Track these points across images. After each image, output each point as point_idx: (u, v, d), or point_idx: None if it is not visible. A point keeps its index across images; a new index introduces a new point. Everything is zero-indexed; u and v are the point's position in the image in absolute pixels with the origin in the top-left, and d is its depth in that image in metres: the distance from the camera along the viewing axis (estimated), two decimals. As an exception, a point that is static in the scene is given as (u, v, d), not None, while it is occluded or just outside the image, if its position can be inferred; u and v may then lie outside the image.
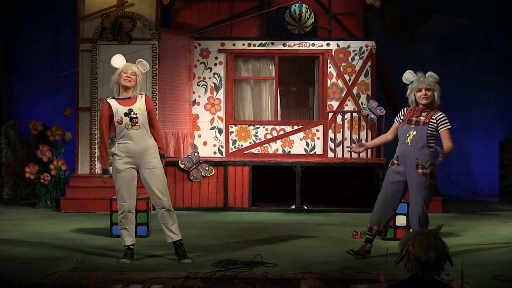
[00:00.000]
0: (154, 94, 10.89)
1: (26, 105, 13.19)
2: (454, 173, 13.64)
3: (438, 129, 6.54)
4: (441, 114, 6.59)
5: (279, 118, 11.87)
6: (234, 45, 11.82)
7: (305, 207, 10.71)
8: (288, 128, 11.78)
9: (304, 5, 11.34)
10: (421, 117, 6.60)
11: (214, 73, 11.80)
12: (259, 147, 11.75)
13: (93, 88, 10.99)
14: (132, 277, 5.83)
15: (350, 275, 5.96)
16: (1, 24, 13.28)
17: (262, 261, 6.36)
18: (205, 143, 11.75)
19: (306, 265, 6.34)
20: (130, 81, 6.49)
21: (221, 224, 9.37)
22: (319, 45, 11.77)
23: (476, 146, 13.89)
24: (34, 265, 6.29)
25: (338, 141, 11.63)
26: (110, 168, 6.60)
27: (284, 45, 11.77)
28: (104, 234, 8.06)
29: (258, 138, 11.77)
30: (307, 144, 11.75)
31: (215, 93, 11.79)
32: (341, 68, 11.72)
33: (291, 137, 11.75)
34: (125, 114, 6.45)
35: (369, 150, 11.18)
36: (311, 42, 11.77)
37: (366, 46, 11.72)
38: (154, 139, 6.60)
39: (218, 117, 11.80)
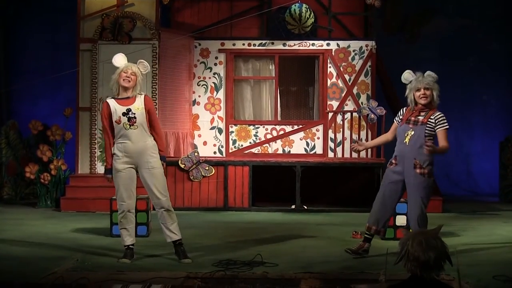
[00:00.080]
0: (154, 94, 10.89)
1: (26, 104, 13.19)
2: (454, 173, 13.66)
3: (435, 128, 6.53)
4: (439, 114, 6.59)
5: (279, 118, 11.87)
6: (234, 45, 11.82)
7: (305, 207, 10.71)
8: (288, 128, 11.78)
9: (304, 5, 11.34)
10: (419, 117, 6.60)
11: (214, 73, 11.80)
12: (259, 147, 11.75)
13: (93, 88, 10.99)
14: (132, 276, 5.83)
15: (350, 275, 5.96)
16: (1, 23, 13.29)
17: (262, 261, 6.36)
18: (205, 143, 11.75)
19: (306, 265, 6.34)
20: (129, 81, 6.49)
21: (221, 224, 9.38)
22: (319, 45, 11.77)
23: (476, 146, 13.90)
24: (34, 264, 6.29)
25: (338, 141, 11.63)
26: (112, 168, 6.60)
27: (284, 45, 11.77)
28: (104, 234, 8.07)
29: (258, 138, 11.77)
30: (307, 144, 11.75)
31: (215, 93, 11.79)
32: (341, 68, 11.72)
33: (291, 137, 11.75)
34: (123, 114, 6.45)
35: (369, 150, 11.18)
36: (311, 42, 11.77)
37: (366, 46, 11.72)
38: (154, 139, 6.60)
39: (218, 117, 11.80)
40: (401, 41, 12.73)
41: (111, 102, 6.53)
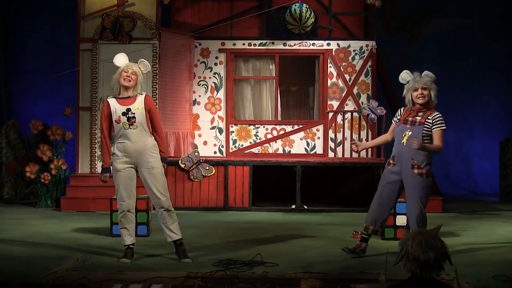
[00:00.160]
0: (155, 94, 10.89)
1: (26, 104, 13.20)
2: (454, 172, 13.67)
3: (432, 128, 6.52)
4: (437, 114, 6.58)
5: (279, 118, 11.87)
6: (234, 44, 11.82)
7: (305, 207, 10.71)
8: (289, 128, 11.78)
9: (304, 5, 11.35)
10: (417, 117, 6.59)
11: (215, 73, 11.80)
12: (259, 147, 11.75)
13: (94, 88, 10.99)
14: (132, 276, 5.83)
15: (350, 275, 5.96)
16: (1, 23, 13.29)
17: (262, 260, 6.36)
18: (205, 143, 11.75)
19: (306, 264, 6.34)
20: (129, 80, 6.49)
21: (221, 223, 9.38)
22: (320, 44, 11.77)
23: (476, 146, 13.91)
24: (34, 264, 6.29)
25: (339, 140, 11.63)
26: (112, 167, 6.60)
27: (284, 44, 11.77)
28: (104, 234, 8.07)
29: (258, 137, 11.77)
30: (308, 144, 11.75)
31: (215, 92, 11.79)
32: (341, 67, 11.72)
33: (292, 137, 11.76)
34: (123, 114, 6.45)
35: (369, 150, 11.19)
36: (311, 41, 11.77)
37: (367, 46, 11.73)
38: (156, 140, 6.60)
39: (219, 116, 11.80)
40: (401, 41, 12.73)
41: (112, 101, 6.53)
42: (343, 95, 11.69)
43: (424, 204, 6.55)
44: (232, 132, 11.77)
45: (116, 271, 6.01)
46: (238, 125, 11.81)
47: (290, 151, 11.74)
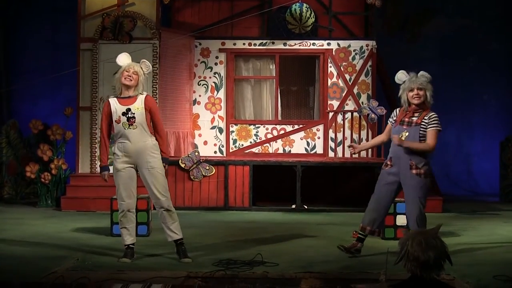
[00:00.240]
0: (155, 94, 10.89)
1: (27, 104, 13.21)
2: (454, 172, 13.67)
3: (427, 128, 6.50)
4: (433, 114, 6.55)
5: (279, 118, 11.87)
6: (234, 44, 11.83)
7: (306, 207, 10.71)
8: (289, 128, 11.79)
9: (304, 5, 11.35)
10: (413, 118, 6.56)
11: (215, 73, 11.81)
12: (259, 147, 11.76)
13: (94, 88, 10.99)
14: (132, 276, 5.83)
15: (350, 275, 5.96)
16: (1, 23, 13.29)
17: (262, 260, 6.36)
18: (205, 143, 11.75)
19: (307, 264, 6.34)
20: (130, 80, 6.49)
21: (222, 223, 9.38)
22: (320, 44, 11.78)
23: (477, 145, 13.91)
24: (34, 264, 6.28)
25: (339, 140, 11.64)
26: (111, 167, 6.60)
27: (284, 44, 11.77)
28: (104, 233, 8.07)
29: (258, 137, 11.77)
30: (308, 144, 11.75)
31: (215, 92, 11.80)
32: (341, 67, 11.72)
33: (292, 137, 11.76)
34: (123, 114, 6.46)
35: (370, 150, 11.18)
36: (311, 41, 11.77)
37: (367, 45, 11.73)
38: (157, 140, 6.60)
39: (219, 116, 11.80)
40: (402, 40, 12.74)
41: (112, 101, 6.54)
42: (343, 95, 11.70)
43: (423, 204, 6.55)
44: (232, 131, 11.78)
45: (117, 270, 6.01)
46: (238, 125, 11.81)
47: (290, 151, 11.74)
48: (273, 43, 11.79)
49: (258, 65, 12.02)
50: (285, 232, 8.36)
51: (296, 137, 11.77)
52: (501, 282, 5.58)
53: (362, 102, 11.61)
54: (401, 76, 6.69)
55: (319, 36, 11.90)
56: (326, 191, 11.52)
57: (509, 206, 11.35)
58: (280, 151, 11.74)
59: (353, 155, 11.30)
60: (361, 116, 11.49)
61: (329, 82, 11.74)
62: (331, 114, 11.67)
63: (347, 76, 11.72)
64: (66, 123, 11.47)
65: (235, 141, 11.78)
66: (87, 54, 11.08)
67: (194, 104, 11.78)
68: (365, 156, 11.41)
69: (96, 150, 10.94)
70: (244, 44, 11.82)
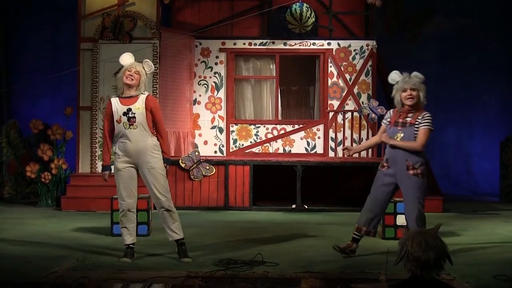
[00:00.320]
0: (155, 93, 10.89)
1: (27, 104, 13.21)
2: (454, 172, 13.67)
3: (419, 127, 6.49)
4: (426, 114, 6.54)
5: (279, 117, 11.88)
6: (235, 44, 11.83)
7: (306, 207, 10.71)
8: (289, 128, 11.79)
9: (305, 4, 11.35)
10: (407, 118, 6.55)
11: (215, 72, 11.81)
12: (259, 146, 11.76)
13: (94, 87, 10.99)
14: (132, 276, 5.83)
15: (351, 275, 5.96)
16: (1, 23, 13.29)
17: (262, 260, 6.36)
18: (205, 142, 11.76)
19: (307, 264, 6.34)
20: (132, 79, 6.49)
21: (222, 223, 9.38)
22: (320, 44, 11.78)
23: (477, 145, 13.91)
24: (35, 263, 6.28)
25: (339, 140, 11.64)
26: (113, 166, 6.61)
27: (285, 44, 11.78)
28: (104, 233, 8.07)
29: (258, 137, 11.78)
30: (308, 144, 11.75)
31: (215, 92, 11.80)
32: (342, 67, 11.72)
33: (292, 137, 11.76)
34: (124, 114, 6.46)
35: (370, 150, 11.17)
36: (312, 41, 11.78)
37: (367, 45, 11.73)
38: (158, 140, 6.59)
39: (219, 116, 11.81)
40: (402, 40, 12.73)
41: (114, 101, 6.54)
42: (344, 94, 11.70)
43: (422, 204, 6.55)
44: (233, 131, 11.78)
45: (117, 270, 6.01)
46: (239, 125, 11.81)
47: (290, 150, 11.74)
48: (273, 43, 11.79)
49: (258, 65, 12.02)
50: (285, 232, 8.36)
51: (296, 137, 11.77)
52: (501, 282, 5.58)
53: (363, 102, 11.61)
54: (394, 76, 6.68)
55: (319, 36, 11.90)
56: (326, 191, 11.52)
57: (509, 206, 11.35)
58: (280, 151, 11.75)
59: (353, 155, 11.28)
60: (361, 116, 11.49)
61: (329, 82, 11.74)
62: (331, 114, 11.67)
63: (347, 76, 11.72)
64: (66, 123, 11.46)
65: (235, 141, 11.78)
66: (87, 54, 11.07)
67: (194, 104, 11.78)
68: (365, 156, 11.41)
69: (96, 150, 10.95)
70: (244, 44, 11.82)
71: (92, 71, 11.01)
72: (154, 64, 10.68)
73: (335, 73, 11.75)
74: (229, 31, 12.08)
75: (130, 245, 6.56)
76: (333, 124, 11.67)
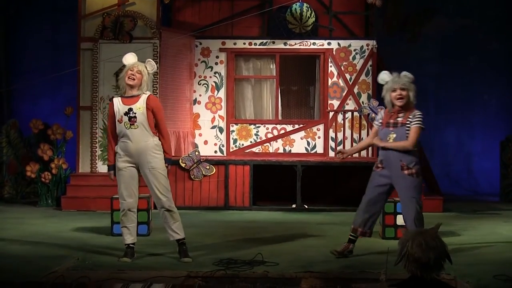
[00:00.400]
0: (155, 93, 10.89)
1: (27, 103, 13.20)
2: (454, 172, 13.67)
3: (411, 125, 6.49)
4: (417, 112, 6.54)
5: (280, 117, 11.87)
6: (235, 44, 11.83)
7: (306, 206, 10.71)
8: (289, 127, 11.78)
9: (305, 4, 11.35)
10: (398, 118, 6.56)
11: (215, 72, 11.81)
12: (260, 146, 11.76)
13: (94, 87, 10.98)
14: (132, 275, 5.83)
15: (351, 274, 5.96)
16: (1, 23, 13.29)
17: (262, 260, 6.36)
18: (206, 142, 11.76)
19: (307, 264, 6.34)
20: (134, 79, 6.49)
21: (222, 223, 9.38)
22: (320, 44, 11.78)
23: (477, 145, 13.90)
24: (35, 263, 6.29)
25: (339, 140, 11.64)
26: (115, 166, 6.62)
27: (285, 44, 11.77)
28: (104, 233, 8.07)
29: (259, 137, 11.78)
30: (308, 143, 11.75)
31: (216, 92, 11.80)
32: (342, 67, 11.72)
33: (292, 136, 11.76)
34: (125, 113, 6.46)
35: (370, 150, 11.18)
36: (312, 41, 11.77)
37: (367, 45, 11.73)
38: (160, 140, 6.59)
39: (219, 116, 11.81)
40: (402, 40, 12.72)
41: (116, 101, 6.54)
42: (344, 94, 11.70)
43: (419, 203, 6.54)
44: (233, 131, 11.78)
45: (117, 270, 6.02)
46: (239, 125, 11.81)
47: (290, 150, 11.74)
48: (273, 42, 11.79)
49: (259, 65, 12.02)
50: (285, 232, 8.36)
51: (296, 136, 11.77)
52: (501, 281, 5.58)
53: (363, 102, 11.61)
54: (383, 76, 6.69)
55: (320, 36, 11.90)
56: (326, 191, 11.51)
57: (510, 206, 11.35)
58: (281, 150, 11.75)
59: (353, 155, 11.28)
60: (362, 116, 11.49)
61: (330, 81, 11.74)
62: (331, 114, 11.67)
63: (348, 76, 11.72)
64: (66, 123, 11.47)
65: (235, 141, 11.78)
66: (88, 54, 11.07)
67: (194, 104, 11.78)
68: (365, 156, 11.41)
69: (96, 149, 10.95)
70: (244, 43, 11.82)
71: (92, 71, 11.01)
72: (154, 64, 10.81)
73: (335, 73, 11.75)
74: (229, 31, 12.09)
75: (130, 245, 6.56)
76: (333, 124, 11.67)
